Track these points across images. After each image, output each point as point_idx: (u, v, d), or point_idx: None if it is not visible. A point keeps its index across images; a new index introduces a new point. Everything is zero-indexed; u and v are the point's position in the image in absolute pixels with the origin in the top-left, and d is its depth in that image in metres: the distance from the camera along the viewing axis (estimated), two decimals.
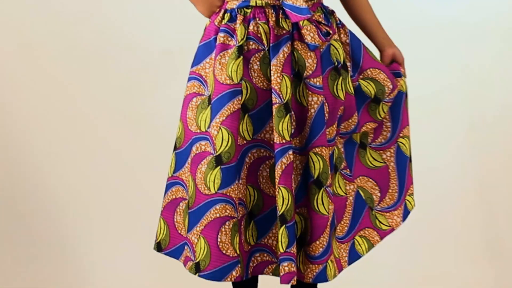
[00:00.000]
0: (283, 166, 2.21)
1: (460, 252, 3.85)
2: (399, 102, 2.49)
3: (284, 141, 2.21)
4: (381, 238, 2.46)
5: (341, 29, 2.40)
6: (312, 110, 2.26)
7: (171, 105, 3.61)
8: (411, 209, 2.51)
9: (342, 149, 2.43)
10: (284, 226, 2.21)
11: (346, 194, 2.40)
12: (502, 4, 3.80)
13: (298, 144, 2.29)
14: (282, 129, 2.21)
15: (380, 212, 2.48)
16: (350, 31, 2.42)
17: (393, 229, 2.48)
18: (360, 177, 2.48)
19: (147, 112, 3.87)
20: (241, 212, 2.27)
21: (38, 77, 3.87)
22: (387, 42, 2.53)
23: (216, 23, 2.32)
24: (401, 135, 2.48)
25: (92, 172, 3.91)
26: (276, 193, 2.22)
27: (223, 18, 2.32)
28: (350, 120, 2.38)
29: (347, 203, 2.41)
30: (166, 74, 3.84)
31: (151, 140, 3.81)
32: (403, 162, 2.49)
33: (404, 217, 2.49)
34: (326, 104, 2.29)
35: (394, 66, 2.51)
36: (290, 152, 2.22)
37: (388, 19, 3.69)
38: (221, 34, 2.29)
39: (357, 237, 2.44)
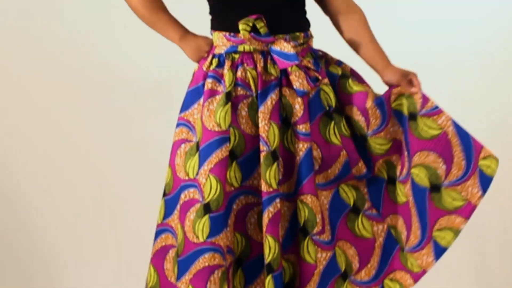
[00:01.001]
0: (270, 215, 2.19)
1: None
2: (403, 127, 2.32)
3: (271, 189, 2.20)
4: (415, 282, 2.28)
5: (339, 67, 2.37)
6: (298, 158, 2.24)
7: (161, 138, 3.62)
8: (447, 245, 2.25)
9: (365, 190, 2.37)
10: (271, 275, 2.19)
11: (373, 235, 2.35)
12: (485, 32, 3.79)
13: (287, 190, 2.28)
14: (269, 177, 2.20)
15: (410, 253, 2.30)
16: (351, 68, 2.39)
17: (425, 271, 2.27)
18: (391, 216, 2.35)
19: (138, 144, 3.85)
20: (229, 260, 2.25)
21: (28, 109, 3.86)
22: (382, 70, 2.37)
23: (204, 69, 2.31)
24: (413, 164, 2.28)
25: (82, 212, 3.89)
26: (264, 242, 2.20)
27: (211, 63, 2.30)
28: (359, 165, 2.33)
29: (375, 244, 2.34)
30: (155, 106, 3.83)
31: (142, 178, 3.79)
32: (421, 194, 2.26)
33: (437, 255, 2.25)
34: (318, 150, 2.27)
35: (386, 94, 2.32)
36: (278, 200, 2.20)
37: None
38: (209, 80, 2.27)
39: (387, 281, 2.33)
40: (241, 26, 2.20)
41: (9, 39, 3.82)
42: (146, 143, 3.83)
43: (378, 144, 2.31)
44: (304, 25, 2.34)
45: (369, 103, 2.28)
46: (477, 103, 3.85)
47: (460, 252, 3.69)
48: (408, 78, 2.30)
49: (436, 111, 2.26)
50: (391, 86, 2.34)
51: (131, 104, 3.84)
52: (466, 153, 2.24)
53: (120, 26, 3.58)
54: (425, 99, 2.27)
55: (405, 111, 2.29)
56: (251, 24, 2.21)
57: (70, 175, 3.89)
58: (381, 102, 2.29)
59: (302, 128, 2.23)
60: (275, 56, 2.23)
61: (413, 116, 2.27)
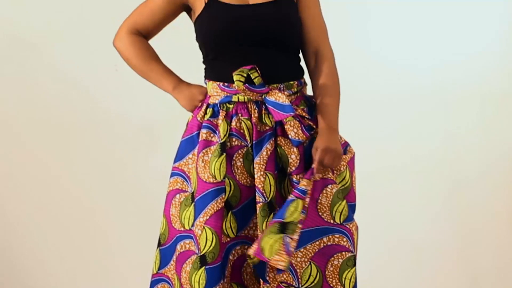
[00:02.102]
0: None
1: None
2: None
3: None
4: None
5: None
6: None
7: (151, 180, 3.61)
8: None
9: None
10: None
11: None
12: (479, 71, 3.82)
13: None
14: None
15: None
16: None
17: None
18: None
19: (128, 186, 3.84)
20: None
21: (17, 152, 3.85)
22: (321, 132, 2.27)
23: (199, 118, 2.30)
24: None
25: (72, 258, 3.88)
26: None
27: (205, 113, 2.30)
28: None
29: None
30: (145, 148, 3.82)
31: (131, 221, 3.78)
32: None
33: None
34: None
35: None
36: None
37: (368, 88, 3.75)
38: (203, 130, 2.27)
39: None
40: (235, 77, 2.20)
41: None
42: (136, 186, 3.82)
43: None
44: (297, 73, 2.34)
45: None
46: (473, 138, 3.87)
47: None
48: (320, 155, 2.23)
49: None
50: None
51: (120, 147, 3.83)
52: None
53: (112, 69, 3.57)
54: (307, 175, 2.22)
55: None
56: (245, 75, 2.21)
57: (60, 219, 3.86)
58: None
59: (299, 178, 2.23)
60: (270, 107, 2.22)
61: None
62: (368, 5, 3.79)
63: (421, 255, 3.88)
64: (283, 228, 2.14)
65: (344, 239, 2.24)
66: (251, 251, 2.15)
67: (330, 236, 2.23)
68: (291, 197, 2.18)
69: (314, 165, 2.21)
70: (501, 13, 3.81)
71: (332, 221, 2.23)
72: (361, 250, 2.47)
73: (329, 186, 2.24)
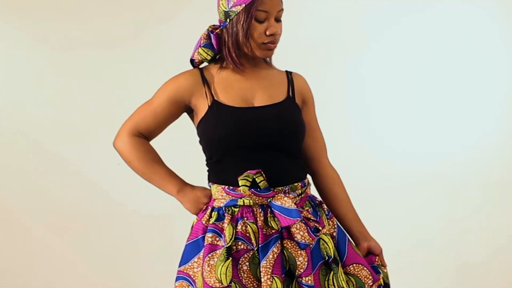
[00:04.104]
0: None
1: None
2: None
3: None
4: None
5: (329, 220, 2.38)
6: None
7: (166, 269, 3.57)
8: None
9: None
10: None
11: None
12: (480, 159, 3.86)
13: None
14: None
15: None
16: (337, 224, 2.40)
17: None
18: None
19: (143, 276, 3.82)
20: None
21: (27, 241, 3.84)
22: (362, 236, 2.47)
23: (204, 222, 2.28)
24: None
25: None
26: None
27: (210, 216, 2.28)
28: None
29: None
30: (160, 238, 3.81)
31: None
32: None
33: None
34: None
35: (370, 259, 2.45)
36: None
37: (373, 175, 3.77)
38: (209, 234, 2.25)
39: None
40: (241, 182, 2.19)
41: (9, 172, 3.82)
42: (142, 279, 3.80)
43: None
44: (301, 174, 2.34)
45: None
46: (474, 227, 3.89)
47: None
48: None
49: None
50: (369, 254, 2.46)
51: (128, 238, 3.82)
52: None
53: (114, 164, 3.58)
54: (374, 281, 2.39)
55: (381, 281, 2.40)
56: (250, 180, 2.20)
57: None
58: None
59: (308, 280, 2.21)
60: (276, 212, 2.21)
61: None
62: (367, 98, 3.85)
63: None
64: None
65: None
66: None
67: None
68: None
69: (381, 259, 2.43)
70: (502, 101, 3.86)
71: None
72: None
73: None
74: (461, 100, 3.89)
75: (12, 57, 3.88)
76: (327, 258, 2.29)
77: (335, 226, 2.38)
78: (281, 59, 2.45)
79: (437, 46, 3.92)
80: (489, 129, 3.88)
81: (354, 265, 2.35)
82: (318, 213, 2.34)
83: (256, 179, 2.20)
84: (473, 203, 3.89)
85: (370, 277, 2.33)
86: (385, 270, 2.43)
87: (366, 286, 2.33)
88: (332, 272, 2.29)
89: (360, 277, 2.33)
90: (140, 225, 3.85)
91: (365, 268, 2.34)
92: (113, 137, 2.40)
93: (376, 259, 2.43)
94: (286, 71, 2.42)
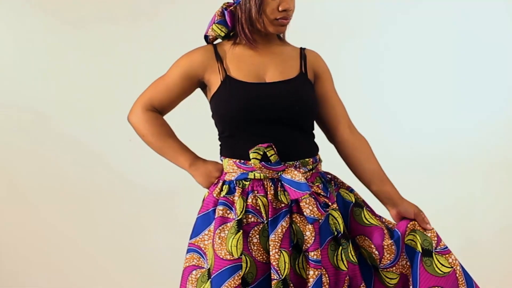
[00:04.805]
0: None
1: None
2: (412, 262, 2.34)
3: None
4: None
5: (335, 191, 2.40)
6: (309, 284, 2.24)
7: (169, 247, 3.62)
8: None
9: None
10: None
11: None
12: (487, 138, 3.87)
13: None
14: None
15: None
16: (341, 196, 2.40)
17: None
18: None
19: (145, 251, 3.85)
20: None
21: (35, 220, 3.87)
22: (391, 202, 2.41)
23: (215, 195, 2.32)
24: None
25: None
26: None
27: (221, 189, 2.31)
28: None
29: None
30: (163, 215, 3.84)
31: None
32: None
33: None
34: (327, 275, 2.27)
35: (400, 225, 2.37)
36: None
37: (379, 156, 3.79)
38: (219, 207, 2.28)
39: None
40: (252, 155, 2.23)
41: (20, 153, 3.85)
42: (151, 255, 3.83)
43: (388, 277, 2.33)
44: (312, 150, 2.37)
45: (387, 241, 2.31)
46: (480, 206, 3.91)
47: None
48: (422, 214, 2.36)
49: (446, 250, 2.32)
50: (403, 219, 2.38)
51: (137, 214, 3.85)
52: None
53: (125, 140, 3.61)
54: (439, 238, 2.34)
55: (418, 247, 2.31)
56: (261, 153, 2.23)
57: (78, 282, 3.87)
58: (397, 238, 2.32)
59: (314, 255, 2.24)
60: (286, 186, 2.24)
61: (428, 253, 2.30)
62: (381, 77, 3.86)
63: None
64: None
65: None
66: None
67: None
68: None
69: (432, 227, 2.34)
70: (510, 84, 3.87)
71: None
72: None
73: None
74: (470, 80, 3.91)
75: (24, 33, 3.90)
76: (336, 233, 2.32)
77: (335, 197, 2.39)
78: (295, 37, 2.47)
79: (452, 28, 3.94)
80: (497, 108, 3.90)
81: (358, 236, 2.37)
82: (329, 189, 2.36)
83: (267, 152, 2.23)
84: (479, 182, 3.90)
85: (374, 247, 2.33)
86: (427, 234, 2.33)
87: (373, 255, 2.34)
88: (341, 248, 2.31)
89: (365, 247, 2.35)
90: (147, 200, 3.88)
91: (366, 239, 2.35)
92: (125, 113, 2.44)
93: (409, 225, 2.35)
94: (301, 47, 2.44)
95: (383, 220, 2.41)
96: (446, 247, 2.33)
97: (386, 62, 3.93)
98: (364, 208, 2.39)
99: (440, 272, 2.29)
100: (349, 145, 2.42)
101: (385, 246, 2.31)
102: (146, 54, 3.83)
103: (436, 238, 2.33)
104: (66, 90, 3.86)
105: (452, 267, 2.29)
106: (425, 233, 2.34)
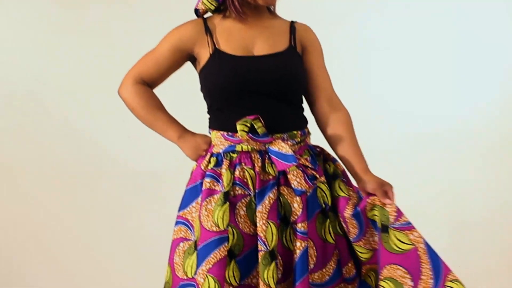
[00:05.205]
0: None
1: None
2: (379, 239, 2.25)
3: None
4: None
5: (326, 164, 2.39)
6: (295, 256, 2.24)
7: (157, 226, 3.62)
8: None
9: None
10: None
11: None
12: (479, 121, 3.86)
13: None
14: (267, 277, 2.19)
15: None
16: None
17: None
18: (388, 266, 2.18)
19: (134, 232, 3.86)
20: None
21: (27, 197, 3.88)
22: (357, 177, 2.32)
23: (203, 167, 2.32)
24: (382, 277, 2.19)
25: None
26: None
27: (209, 162, 2.32)
28: (349, 265, 2.33)
29: None
30: (151, 195, 3.84)
31: (137, 271, 3.79)
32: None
33: None
34: (314, 248, 2.27)
35: (363, 201, 2.28)
36: None
37: (372, 135, 3.79)
38: (207, 179, 2.28)
39: None
40: (239, 127, 2.22)
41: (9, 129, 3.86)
42: (140, 234, 3.84)
43: (359, 252, 2.29)
44: (301, 123, 2.36)
45: (347, 213, 2.27)
46: (472, 189, 3.89)
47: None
48: (383, 188, 2.26)
49: (408, 227, 2.16)
50: (366, 194, 2.29)
51: (125, 195, 3.86)
52: (434, 272, 2.12)
53: (119, 122, 3.61)
54: (400, 213, 2.19)
55: (378, 222, 2.24)
56: (248, 125, 2.23)
57: (66, 265, 3.88)
58: (357, 213, 2.26)
59: (301, 226, 2.24)
60: (273, 157, 2.24)
61: (385, 228, 2.21)
62: (376, 61, 3.85)
63: None
64: None
65: None
66: None
67: None
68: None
69: (391, 201, 2.21)
70: (505, 65, 3.85)
71: None
72: None
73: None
74: (462, 61, 3.88)
75: (21, 14, 3.90)
76: (324, 206, 2.32)
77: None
78: (287, 11, 2.47)
79: (447, 12, 3.92)
80: (490, 94, 3.88)
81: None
82: (317, 162, 2.36)
83: (254, 124, 2.23)
84: (471, 166, 3.89)
85: (341, 218, 2.29)
86: (386, 209, 2.20)
87: (344, 228, 2.31)
88: (328, 220, 2.31)
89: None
90: (134, 180, 3.88)
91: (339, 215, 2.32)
92: (115, 95, 2.45)
93: (369, 200, 2.25)
94: (291, 21, 2.43)
95: (359, 193, 2.34)
96: (409, 223, 2.17)
97: (381, 45, 3.91)
98: (338, 179, 2.35)
99: (397, 249, 2.16)
100: (324, 119, 2.38)
101: (347, 219, 2.28)
102: (138, 33, 3.81)
103: (395, 213, 2.19)
104: (57, 71, 3.86)
105: (413, 244, 2.15)
106: (384, 207, 2.22)
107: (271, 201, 2.23)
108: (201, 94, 2.37)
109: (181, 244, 2.32)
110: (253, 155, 2.27)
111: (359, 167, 2.31)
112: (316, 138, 2.43)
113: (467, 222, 3.91)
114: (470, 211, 3.91)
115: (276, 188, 2.25)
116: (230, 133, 2.29)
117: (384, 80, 3.88)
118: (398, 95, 3.89)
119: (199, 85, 2.36)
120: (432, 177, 3.89)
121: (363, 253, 2.29)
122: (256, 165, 2.26)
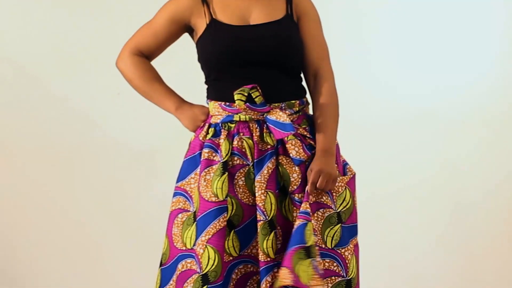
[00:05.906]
0: (268, 285, 2.19)
1: None
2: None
3: (268, 259, 2.19)
4: None
5: None
6: (295, 225, 2.21)
7: (152, 203, 3.62)
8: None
9: None
10: None
11: None
12: (476, 98, 3.85)
13: None
14: (266, 247, 2.19)
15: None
16: None
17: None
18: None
19: (129, 209, 3.86)
20: None
21: (19, 176, 3.87)
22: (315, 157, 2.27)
23: (201, 138, 2.31)
24: None
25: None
26: None
27: (207, 132, 2.31)
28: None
29: None
30: (146, 172, 3.84)
31: (133, 245, 3.79)
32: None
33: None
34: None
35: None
36: (276, 270, 2.19)
37: (368, 113, 3.78)
38: (205, 150, 2.28)
39: None
40: (236, 96, 2.22)
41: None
42: (135, 210, 3.84)
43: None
44: (299, 92, 2.35)
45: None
46: (473, 163, 3.90)
47: None
48: (315, 175, 2.22)
49: (303, 216, 2.18)
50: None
51: (120, 170, 3.85)
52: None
53: (113, 93, 3.59)
54: (306, 197, 2.21)
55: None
56: (246, 94, 2.22)
57: (60, 243, 3.88)
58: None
59: (300, 196, 2.23)
60: (271, 126, 2.23)
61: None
62: (367, 32, 3.84)
63: (421, 280, 3.87)
64: (308, 252, 2.12)
65: (335, 264, 2.24)
66: (286, 281, 2.12)
67: (321, 261, 2.22)
68: (300, 221, 2.16)
69: (308, 187, 2.21)
70: (500, 38, 3.84)
71: (323, 246, 2.23)
72: (360, 275, 2.44)
73: (321, 210, 2.25)
74: (458, 37, 3.86)
75: None
76: None
77: None
78: None
79: None
80: (485, 70, 3.87)
81: None
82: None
83: (252, 94, 2.22)
84: (467, 144, 3.88)
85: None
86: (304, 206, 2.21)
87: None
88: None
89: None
90: (128, 159, 3.87)
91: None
92: (109, 68, 2.43)
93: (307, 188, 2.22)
94: None
95: (345, 167, 2.37)
96: (306, 213, 2.18)
97: (374, 20, 3.88)
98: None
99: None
100: (310, 94, 2.37)
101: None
102: (135, 5, 3.78)
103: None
104: (50, 45, 3.83)
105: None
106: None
107: (270, 171, 2.23)
108: (199, 65, 2.36)
109: (180, 215, 2.31)
110: (251, 125, 2.27)
111: (317, 147, 2.27)
112: None
113: (464, 201, 3.91)
114: (467, 189, 3.91)
115: (274, 157, 2.25)
116: (227, 103, 2.28)
117: (379, 56, 3.87)
118: (390, 71, 3.88)
119: (196, 56, 2.35)
120: (428, 155, 3.88)
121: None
122: (254, 134, 2.26)
